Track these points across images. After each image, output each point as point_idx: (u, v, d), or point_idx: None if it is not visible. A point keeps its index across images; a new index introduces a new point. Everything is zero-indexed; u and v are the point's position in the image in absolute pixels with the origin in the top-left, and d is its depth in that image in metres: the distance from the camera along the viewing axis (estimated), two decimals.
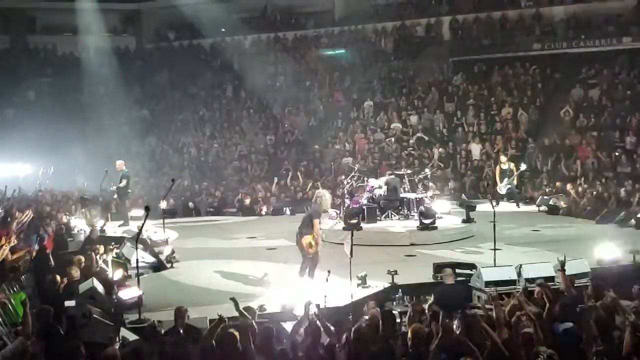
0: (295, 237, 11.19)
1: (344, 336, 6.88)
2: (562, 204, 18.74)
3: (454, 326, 6.88)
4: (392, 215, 16.67)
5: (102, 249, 12.07)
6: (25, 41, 32.13)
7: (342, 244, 11.32)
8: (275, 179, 22.93)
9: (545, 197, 19.51)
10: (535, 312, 7.20)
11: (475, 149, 23.43)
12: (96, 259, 11.62)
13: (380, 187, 16.84)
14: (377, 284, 11.01)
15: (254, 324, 7.51)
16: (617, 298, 7.89)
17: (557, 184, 20.29)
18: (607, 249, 12.16)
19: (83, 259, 11.34)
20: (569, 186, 19.62)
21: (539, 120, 24.44)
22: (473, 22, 28.65)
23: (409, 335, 6.98)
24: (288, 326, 9.09)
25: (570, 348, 6.60)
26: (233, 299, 7.83)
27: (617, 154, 21.31)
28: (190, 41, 32.98)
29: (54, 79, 29.79)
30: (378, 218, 16.43)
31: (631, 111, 22.46)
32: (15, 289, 10.09)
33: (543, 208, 19.07)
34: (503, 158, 19.92)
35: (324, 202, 11.21)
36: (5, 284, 9.79)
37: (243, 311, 7.62)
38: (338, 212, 17.15)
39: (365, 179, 18.05)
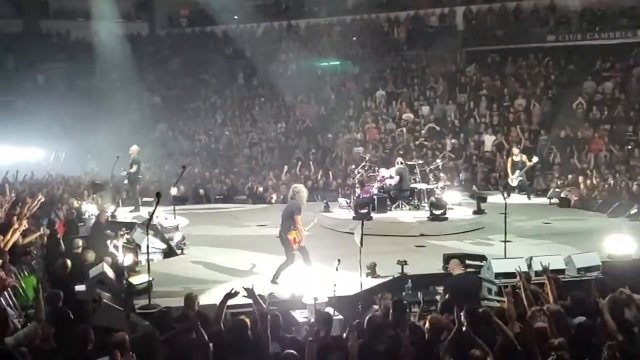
0: (279, 234, 11.10)
1: (355, 325, 6.85)
2: (574, 196, 18.64)
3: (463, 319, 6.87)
4: (403, 206, 16.64)
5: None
6: (38, 26, 32.16)
7: (352, 233, 11.31)
8: (285, 167, 22.93)
9: (557, 189, 19.43)
10: (554, 309, 7.12)
11: (488, 140, 23.34)
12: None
13: (391, 177, 16.81)
14: (387, 274, 11.03)
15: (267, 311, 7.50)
16: (631, 294, 7.80)
17: (569, 176, 20.18)
18: (618, 242, 12.09)
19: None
20: (580, 179, 19.53)
21: (552, 112, 24.28)
22: (487, 13, 28.45)
23: (427, 326, 6.97)
24: (297, 314, 9.13)
25: (584, 342, 6.55)
26: (248, 289, 7.74)
27: (629, 147, 21.18)
28: (202, 28, 32.95)
29: (66, 64, 29.82)
30: (388, 208, 16.41)
31: None
32: (26, 272, 10.14)
33: (554, 200, 18.98)
34: (515, 150, 19.82)
35: (301, 196, 11.16)
36: (17, 268, 9.84)
37: (258, 298, 7.55)
38: (349, 201, 17.14)
39: (376, 168, 18.02)
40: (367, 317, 7.30)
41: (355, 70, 29.01)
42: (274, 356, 6.64)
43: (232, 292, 7.44)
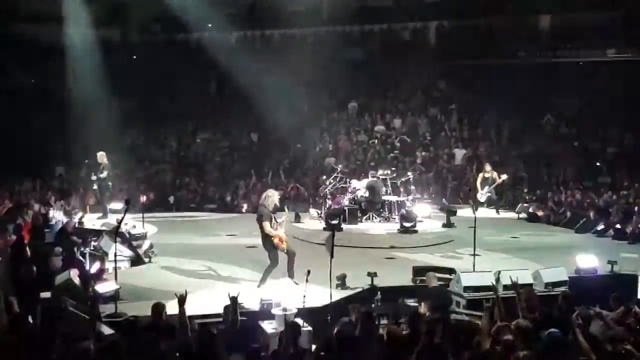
0: (261, 241, 11.22)
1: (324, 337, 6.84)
2: (541, 212, 18.86)
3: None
4: (373, 218, 16.69)
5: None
6: (8, 29, 31.66)
7: (323, 244, 11.30)
8: (254, 177, 22.77)
9: (525, 204, 19.62)
10: (522, 324, 7.13)
11: (458, 153, 23.54)
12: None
13: (362, 189, 16.86)
14: (357, 286, 11.02)
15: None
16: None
17: (537, 192, 20.42)
18: (585, 258, 12.25)
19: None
20: (548, 194, 19.76)
21: (522, 127, 24.58)
22: (459, 29, 28.74)
23: (385, 337, 6.96)
24: (265, 325, 9.08)
25: (556, 351, 6.57)
26: (233, 297, 7.83)
27: (597, 164, 21.49)
28: (175, 35, 32.76)
29: (36, 69, 29.40)
30: (359, 219, 16.44)
31: (612, 122, 22.67)
32: None
33: (523, 215, 19.18)
34: (487, 167, 19.81)
35: (269, 202, 11.24)
36: None
37: (238, 310, 7.68)
38: (319, 211, 17.14)
39: (348, 180, 18.06)
40: (336, 329, 7.28)
41: (328, 81, 29.05)
42: None
43: (183, 296, 7.62)
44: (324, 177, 19.71)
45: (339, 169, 18.65)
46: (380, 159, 23.53)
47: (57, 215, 15.99)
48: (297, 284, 10.57)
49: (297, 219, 17.52)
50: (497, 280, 10.60)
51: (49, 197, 18.37)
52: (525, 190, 21.04)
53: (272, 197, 11.31)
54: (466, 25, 28.53)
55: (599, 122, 23.24)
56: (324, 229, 15.48)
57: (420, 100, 26.78)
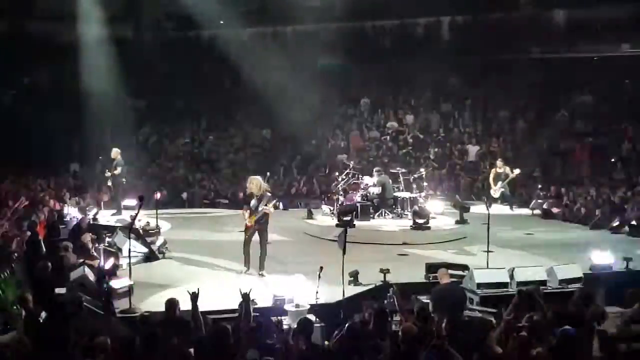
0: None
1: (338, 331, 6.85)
2: (556, 208, 18.75)
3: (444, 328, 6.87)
4: (386, 214, 16.67)
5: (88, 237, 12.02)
6: (23, 27, 31.84)
7: (335, 240, 11.31)
8: (268, 174, 22.82)
9: (539, 200, 19.52)
10: (535, 320, 7.10)
11: (471, 150, 23.44)
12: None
13: (374, 185, 16.84)
14: (369, 282, 11.02)
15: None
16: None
17: (552, 188, 20.30)
18: (600, 254, 12.18)
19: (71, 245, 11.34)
20: (563, 191, 19.65)
21: (535, 123, 24.44)
22: (472, 24, 28.60)
23: (400, 334, 6.95)
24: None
25: (566, 352, 6.55)
26: (245, 294, 7.87)
27: (612, 160, 21.34)
28: (188, 32, 32.84)
29: (51, 66, 29.57)
30: (371, 216, 16.43)
31: (627, 118, 22.50)
32: (5, 274, 10.03)
33: (537, 212, 19.08)
34: (499, 163, 19.77)
35: (250, 186, 12.03)
36: None
37: (251, 305, 7.72)
38: (332, 208, 17.14)
39: (360, 176, 18.04)
40: (348, 325, 7.28)
41: (340, 77, 29.02)
42: None
43: (195, 293, 7.81)
44: (336, 173, 19.72)
45: (351, 166, 18.62)
46: (392, 155, 23.50)
47: (71, 212, 16.08)
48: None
49: (310, 215, 17.52)
50: (512, 277, 10.61)
51: (63, 194, 18.48)
52: (539, 187, 20.91)
53: (252, 182, 12.09)
54: (480, 20, 28.38)
55: (614, 117, 23.06)
56: (337, 225, 15.47)
57: (432, 96, 26.68)
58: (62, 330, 6.89)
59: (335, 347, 6.92)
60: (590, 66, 25.31)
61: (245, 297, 7.89)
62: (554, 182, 20.93)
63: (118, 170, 17.46)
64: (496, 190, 19.37)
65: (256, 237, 12.10)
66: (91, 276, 10.16)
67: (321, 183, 22.16)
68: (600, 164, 21.32)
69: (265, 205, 11.91)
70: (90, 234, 12.73)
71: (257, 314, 8.40)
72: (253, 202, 11.98)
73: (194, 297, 7.78)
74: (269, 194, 12.21)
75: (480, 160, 23.04)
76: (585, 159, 21.67)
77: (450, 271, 10.84)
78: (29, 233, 12.57)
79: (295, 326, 7.39)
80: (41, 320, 7.90)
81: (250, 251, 12.08)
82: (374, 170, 17.45)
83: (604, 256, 12.14)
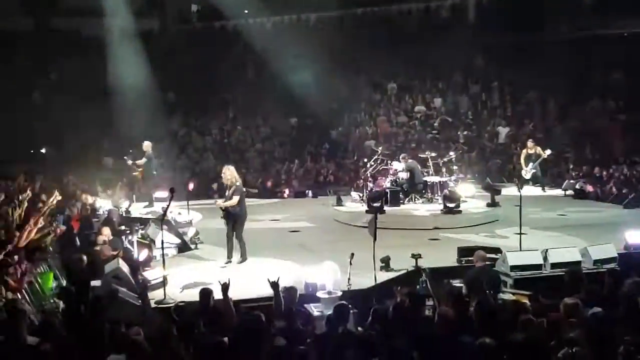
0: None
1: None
2: (589, 188, 18.51)
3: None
4: (416, 199, 16.60)
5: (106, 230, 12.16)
6: (49, 23, 32.20)
7: (366, 227, 11.30)
8: (297, 162, 22.92)
9: (571, 180, 19.29)
10: (569, 302, 7.02)
11: (502, 131, 23.23)
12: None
13: (403, 171, 16.76)
14: (401, 268, 11.00)
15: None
16: None
17: (584, 167, 20.03)
18: (634, 234, 11.99)
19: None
20: (596, 170, 19.38)
21: (567, 102, 24.10)
22: (499, 4, 28.22)
23: (436, 319, 6.94)
24: (311, 308, 9.12)
25: (600, 334, 6.47)
26: (273, 282, 7.90)
27: None
28: (213, 23, 32.96)
29: (78, 62, 29.87)
30: (401, 201, 16.37)
31: None
32: (42, 268, 10.21)
33: (569, 192, 18.86)
34: (530, 143, 19.59)
35: (225, 176, 12.17)
36: (33, 264, 9.90)
37: (280, 292, 7.80)
38: (361, 194, 17.11)
39: (389, 162, 17.97)
40: (372, 310, 7.31)
41: (366, 63, 28.88)
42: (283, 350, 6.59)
43: (227, 283, 7.91)
44: (365, 160, 19.67)
45: (379, 151, 18.55)
46: (420, 139, 23.36)
47: (104, 205, 16.27)
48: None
49: (339, 202, 17.53)
50: (545, 258, 10.50)
51: (96, 188, 18.69)
52: (571, 167, 20.65)
53: (226, 172, 12.25)
54: (506, 0, 27.98)
55: None
56: (366, 211, 15.45)
57: (460, 78, 26.42)
58: (99, 323, 6.98)
59: (366, 334, 6.90)
60: (622, 42, 24.81)
61: (274, 285, 7.90)
62: (586, 161, 20.65)
63: (145, 161, 17.55)
64: (527, 172, 19.18)
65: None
66: (125, 268, 10.28)
67: (350, 170, 22.13)
68: (632, 142, 20.94)
69: (232, 196, 11.97)
70: (110, 228, 12.77)
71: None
72: (228, 192, 12.11)
73: (225, 287, 7.85)
74: (237, 184, 12.13)
75: (510, 142, 22.80)
76: (617, 138, 21.30)
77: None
78: (63, 227, 12.76)
79: (331, 312, 7.40)
80: (80, 313, 8.01)
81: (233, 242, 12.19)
82: (400, 157, 17.37)
83: (639, 235, 11.95)
